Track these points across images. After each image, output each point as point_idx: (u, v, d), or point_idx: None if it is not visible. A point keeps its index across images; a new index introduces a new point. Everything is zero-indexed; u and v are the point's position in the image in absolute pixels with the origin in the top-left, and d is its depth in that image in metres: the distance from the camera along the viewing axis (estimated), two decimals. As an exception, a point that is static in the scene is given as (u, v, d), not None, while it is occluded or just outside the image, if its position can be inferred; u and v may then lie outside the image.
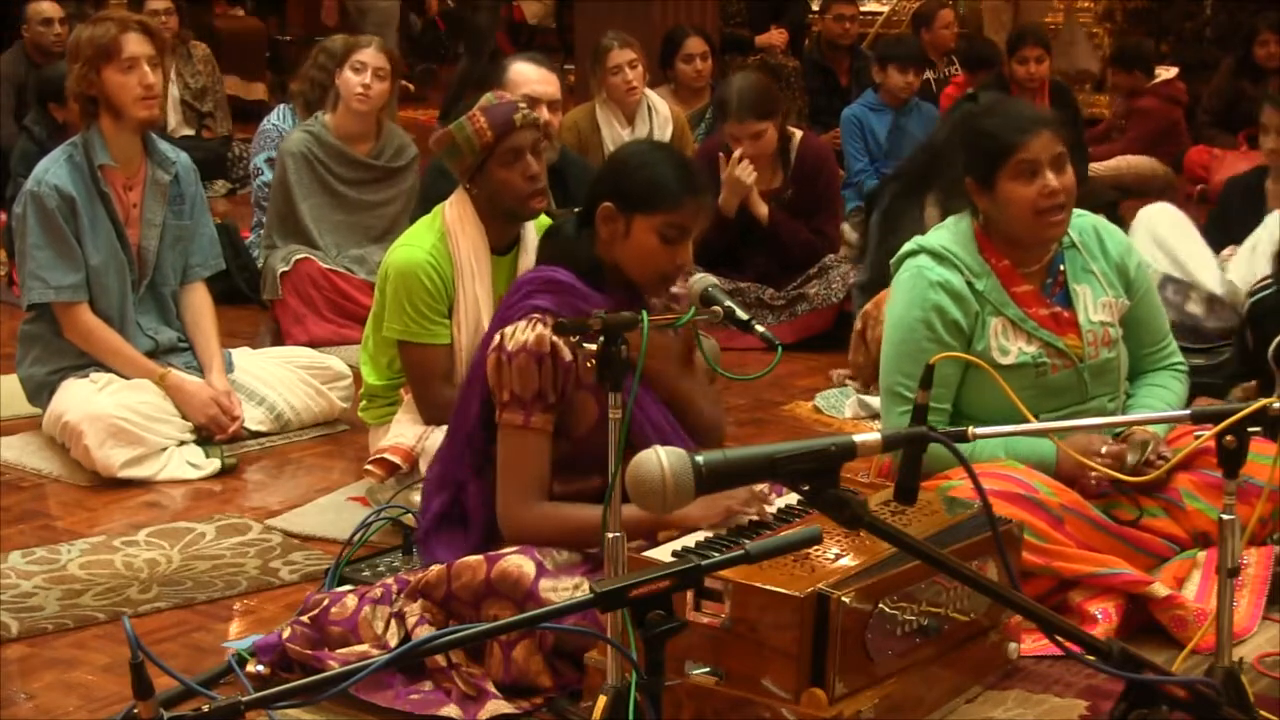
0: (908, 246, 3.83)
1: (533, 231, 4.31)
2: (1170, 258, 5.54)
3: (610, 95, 6.99)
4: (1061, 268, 3.76)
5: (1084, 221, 3.83)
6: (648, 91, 7.13)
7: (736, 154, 5.97)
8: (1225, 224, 5.86)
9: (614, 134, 7.01)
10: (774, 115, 6.03)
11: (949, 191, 3.96)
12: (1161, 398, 3.84)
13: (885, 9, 11.80)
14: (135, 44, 4.69)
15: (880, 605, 2.90)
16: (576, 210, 3.42)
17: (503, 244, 4.25)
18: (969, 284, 3.68)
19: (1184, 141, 9.70)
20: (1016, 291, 3.71)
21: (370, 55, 6.17)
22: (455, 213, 4.21)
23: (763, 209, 6.08)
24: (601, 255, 3.33)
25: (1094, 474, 3.53)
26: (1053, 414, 3.68)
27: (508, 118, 4.09)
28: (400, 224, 6.18)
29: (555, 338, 3.21)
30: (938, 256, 3.72)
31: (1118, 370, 3.80)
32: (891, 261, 3.92)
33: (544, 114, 4.82)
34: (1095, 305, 3.76)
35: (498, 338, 3.28)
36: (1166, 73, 10.03)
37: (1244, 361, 4.80)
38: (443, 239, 4.19)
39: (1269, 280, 4.79)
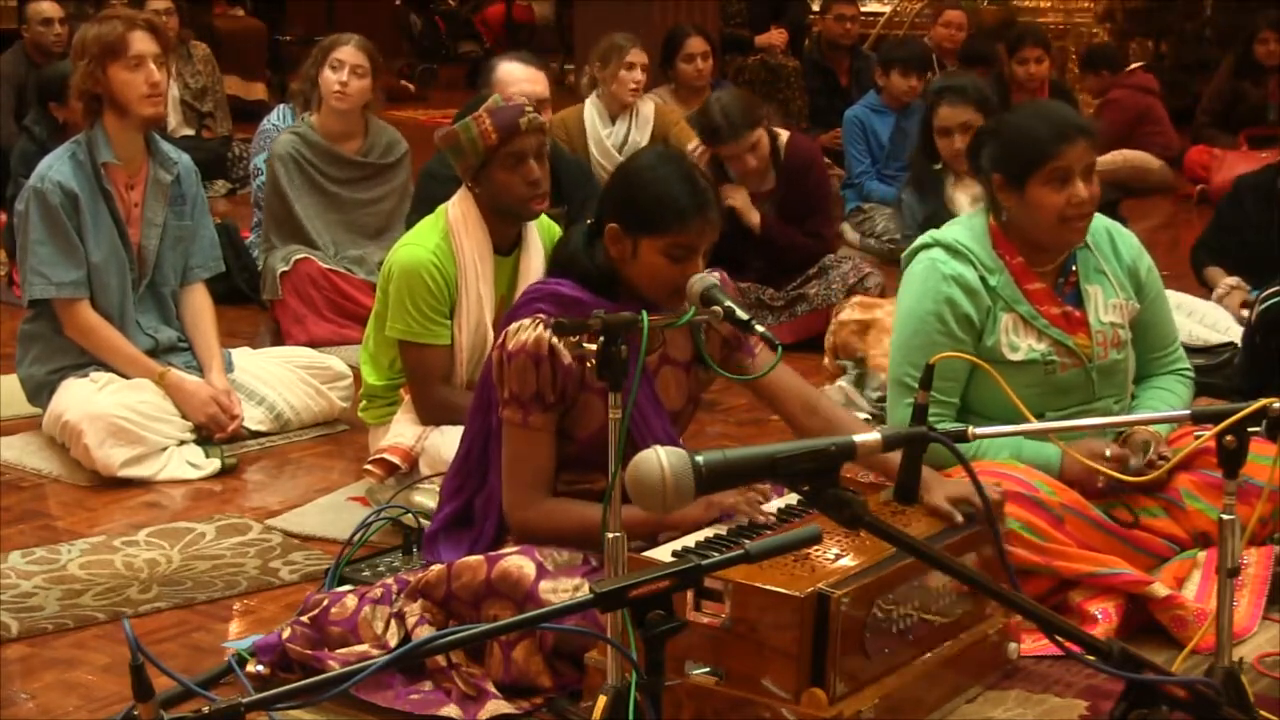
0: (922, 239, 3.84)
1: (535, 232, 4.32)
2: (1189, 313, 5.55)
3: (616, 89, 7.02)
4: (1074, 268, 3.77)
5: (1096, 224, 3.83)
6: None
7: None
8: (1238, 224, 5.84)
9: (597, 133, 7.05)
10: (762, 120, 6.04)
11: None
12: (1165, 400, 3.85)
13: (886, 9, 11.81)
14: (142, 42, 4.69)
15: (880, 605, 2.90)
16: (588, 221, 3.40)
17: (506, 244, 4.25)
18: (982, 279, 3.69)
19: (1164, 127, 9.70)
20: (1029, 289, 3.72)
21: (348, 53, 6.16)
22: (459, 212, 4.21)
23: (755, 217, 6.07)
24: (613, 267, 3.32)
25: (1099, 477, 3.53)
26: (1059, 413, 3.69)
27: (513, 121, 4.08)
28: (395, 221, 6.21)
29: (554, 340, 3.20)
30: (952, 250, 3.73)
31: (1126, 372, 3.80)
32: (904, 254, 3.92)
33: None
34: (1106, 306, 3.76)
35: (502, 335, 3.28)
36: (1133, 67, 10.08)
37: (1252, 366, 4.80)
38: (446, 238, 4.20)
39: (1279, 290, 4.79)
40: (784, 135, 6.22)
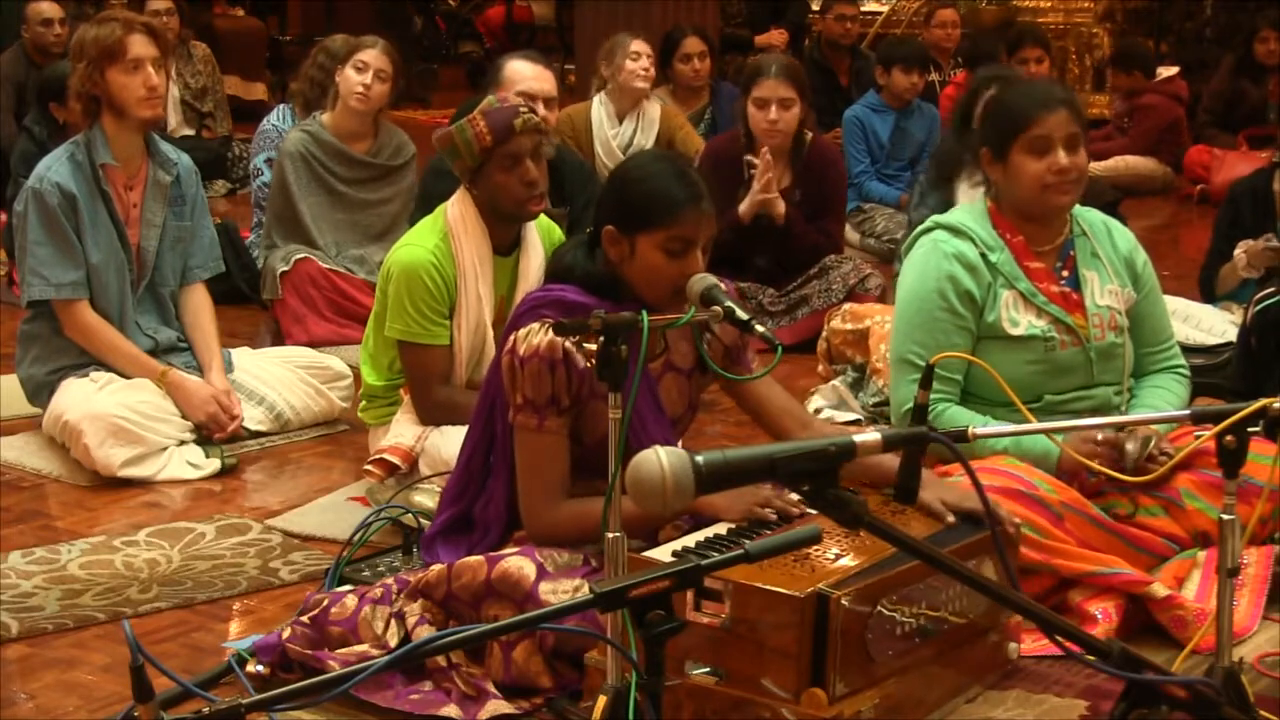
0: (923, 225, 3.89)
1: (534, 233, 4.32)
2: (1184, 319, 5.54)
3: (624, 80, 7.06)
4: (1071, 253, 3.81)
5: (1093, 217, 3.90)
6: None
7: (762, 165, 5.94)
8: (1238, 229, 5.84)
9: (603, 133, 7.06)
10: (804, 95, 6.03)
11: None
12: (1164, 399, 3.86)
13: (885, 9, 11.80)
14: (140, 45, 4.69)
15: (880, 605, 2.90)
16: (587, 230, 3.40)
17: (505, 244, 4.26)
18: (983, 255, 3.73)
19: (1185, 140, 9.72)
20: (1029, 266, 3.76)
21: (374, 56, 6.18)
22: (457, 212, 4.22)
23: (781, 207, 6.05)
24: (614, 272, 3.32)
25: (1095, 474, 3.54)
26: (1060, 395, 3.72)
27: (507, 123, 4.08)
28: (400, 223, 6.20)
29: (568, 344, 3.19)
30: (953, 230, 3.78)
31: (1124, 359, 3.82)
32: (907, 240, 3.94)
33: (540, 110, 4.83)
34: (1102, 290, 3.80)
35: (510, 340, 3.27)
36: (1167, 71, 10.05)
37: (1247, 368, 4.80)
38: (445, 239, 4.20)
39: (1274, 290, 4.79)
40: (808, 136, 6.20)
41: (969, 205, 3.88)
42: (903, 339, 3.78)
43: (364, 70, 6.17)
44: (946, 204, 5.21)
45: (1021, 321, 3.72)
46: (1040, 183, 3.66)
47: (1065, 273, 3.79)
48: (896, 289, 3.93)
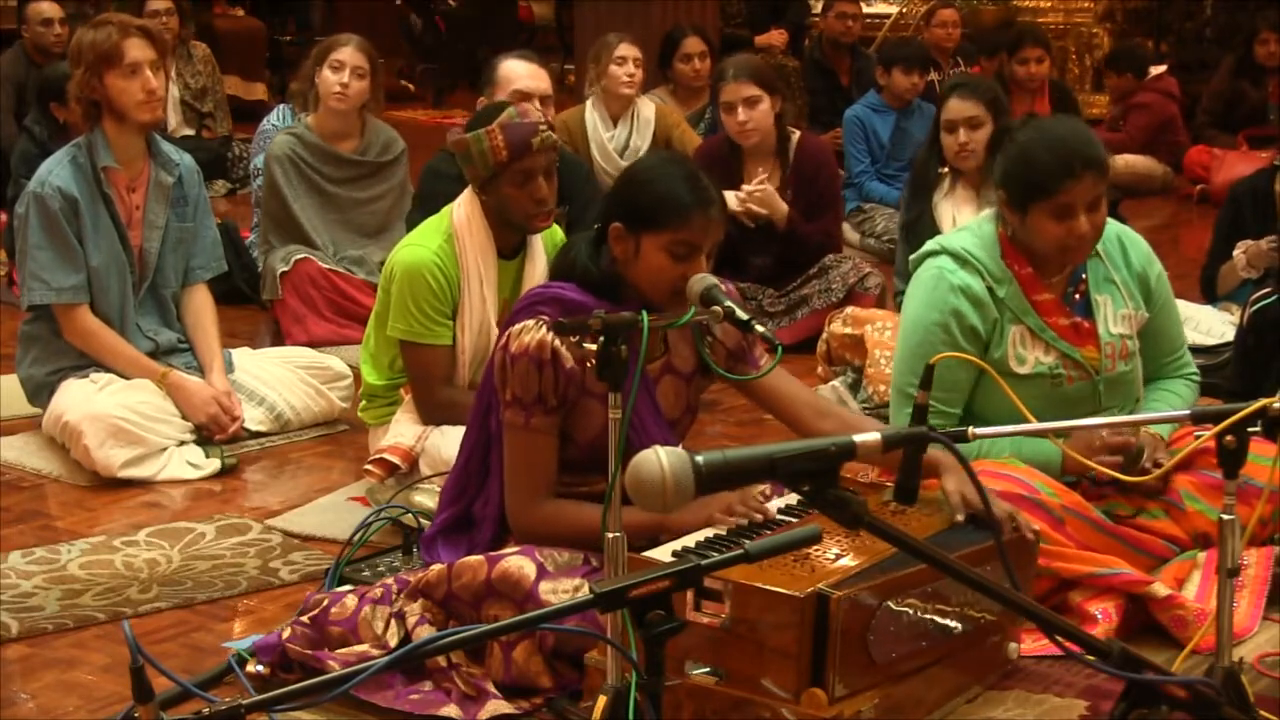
0: (929, 245, 3.81)
1: (537, 236, 4.31)
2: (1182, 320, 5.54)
3: (609, 85, 7.03)
4: (1084, 276, 3.75)
5: (1107, 230, 3.79)
6: (638, 97, 7.17)
7: (755, 183, 5.95)
8: (1239, 230, 5.84)
9: (598, 136, 7.05)
10: (772, 90, 5.97)
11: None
12: (1169, 402, 3.85)
13: (893, 10, 11.80)
14: (137, 49, 4.68)
15: (880, 605, 2.90)
16: (595, 226, 3.40)
17: (509, 248, 4.26)
18: (990, 290, 3.66)
19: (1182, 137, 9.71)
20: (1037, 300, 3.69)
21: (348, 54, 6.16)
22: (464, 214, 4.21)
23: (782, 210, 6.03)
24: (618, 271, 3.32)
25: (1095, 473, 3.53)
26: None
27: (525, 140, 4.08)
28: (394, 219, 6.21)
29: (557, 344, 3.19)
30: (960, 259, 3.70)
31: (1133, 384, 3.79)
32: (911, 259, 3.90)
33: (535, 108, 4.82)
34: (1115, 317, 3.75)
35: (505, 336, 3.28)
36: (1155, 70, 10.06)
37: (1245, 368, 4.80)
38: (450, 240, 4.20)
39: (1269, 291, 4.79)
40: (795, 134, 6.19)
41: (977, 229, 3.78)
42: (904, 371, 3.73)
43: (340, 69, 6.16)
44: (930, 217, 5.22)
45: (1029, 359, 3.67)
46: (1059, 244, 3.58)
47: (1077, 297, 3.74)
48: (900, 313, 3.88)
